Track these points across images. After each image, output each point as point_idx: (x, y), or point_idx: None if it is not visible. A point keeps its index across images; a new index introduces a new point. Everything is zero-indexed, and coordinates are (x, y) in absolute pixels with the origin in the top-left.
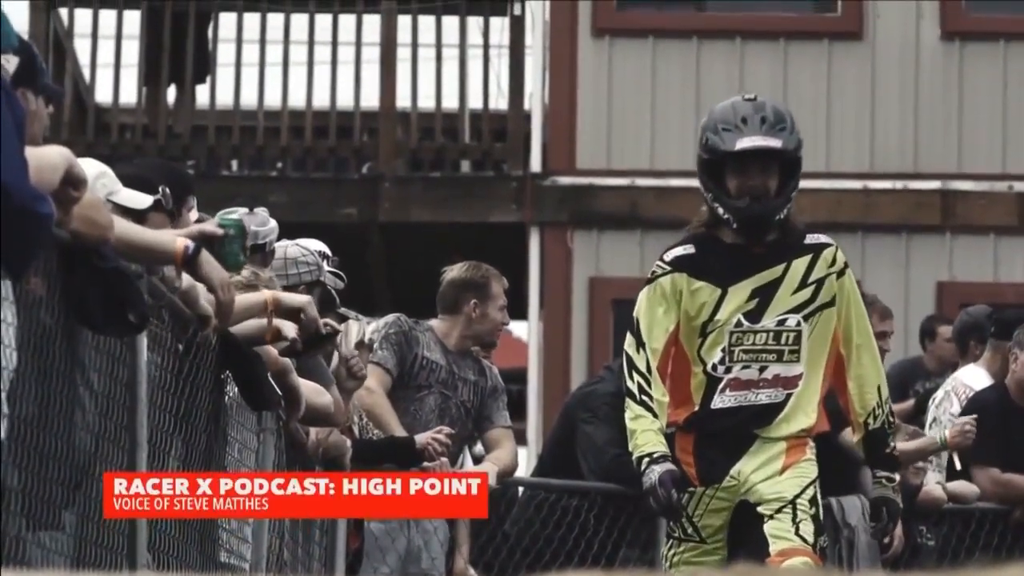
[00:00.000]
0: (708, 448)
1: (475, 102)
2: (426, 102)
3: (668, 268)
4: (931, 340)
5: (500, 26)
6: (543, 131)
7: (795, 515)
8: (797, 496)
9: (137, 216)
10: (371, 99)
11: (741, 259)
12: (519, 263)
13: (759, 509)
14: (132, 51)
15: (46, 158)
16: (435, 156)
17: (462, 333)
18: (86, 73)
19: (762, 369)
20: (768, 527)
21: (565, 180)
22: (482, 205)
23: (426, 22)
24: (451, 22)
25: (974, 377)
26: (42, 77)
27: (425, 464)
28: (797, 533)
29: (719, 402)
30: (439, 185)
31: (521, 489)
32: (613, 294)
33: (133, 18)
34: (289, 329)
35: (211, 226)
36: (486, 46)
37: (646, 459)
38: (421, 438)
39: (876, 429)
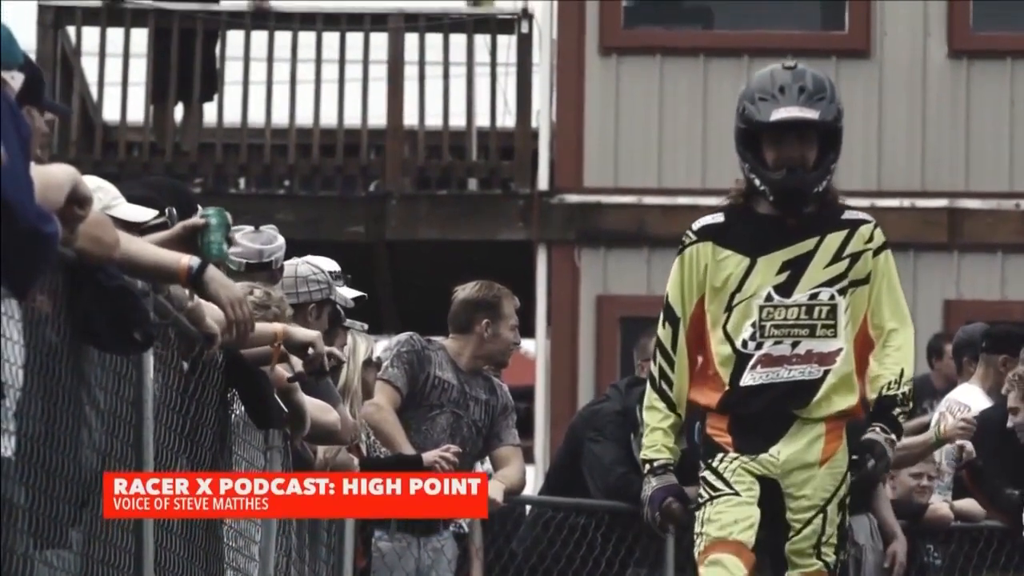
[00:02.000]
0: (745, 431)
1: (482, 120)
2: (433, 120)
3: (695, 238)
4: (938, 358)
5: (507, 44)
6: (550, 149)
7: (824, 528)
8: (828, 501)
9: (139, 231)
10: (378, 117)
11: (773, 230)
12: (526, 281)
13: (788, 516)
14: (139, 69)
15: (52, 177)
16: (442, 174)
17: (474, 353)
18: (93, 91)
19: (795, 344)
20: (789, 548)
21: (572, 198)
22: (489, 223)
23: (433, 40)
24: (458, 40)
25: (967, 395)
26: (45, 94)
27: None
28: (819, 557)
29: (749, 379)
30: (446, 203)
31: (528, 507)
32: (620, 312)
33: (140, 36)
34: (296, 363)
35: (193, 219)
36: (493, 64)
37: (647, 465)
38: (428, 456)
39: (887, 396)
